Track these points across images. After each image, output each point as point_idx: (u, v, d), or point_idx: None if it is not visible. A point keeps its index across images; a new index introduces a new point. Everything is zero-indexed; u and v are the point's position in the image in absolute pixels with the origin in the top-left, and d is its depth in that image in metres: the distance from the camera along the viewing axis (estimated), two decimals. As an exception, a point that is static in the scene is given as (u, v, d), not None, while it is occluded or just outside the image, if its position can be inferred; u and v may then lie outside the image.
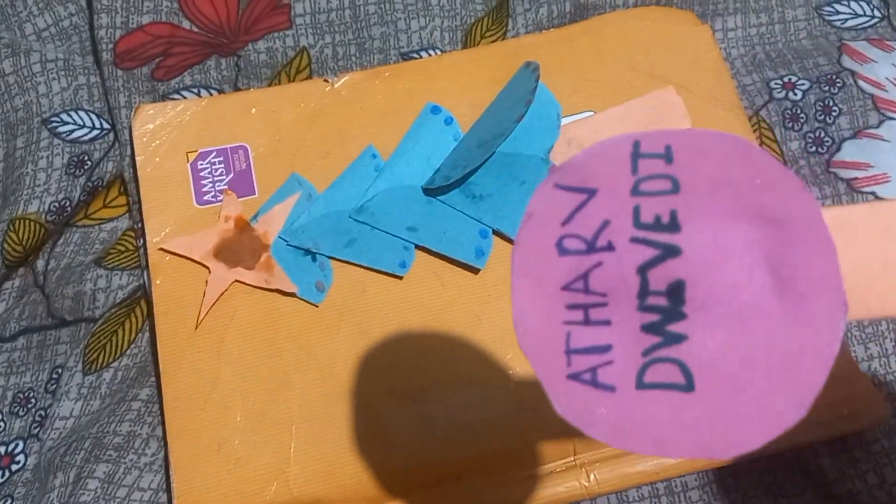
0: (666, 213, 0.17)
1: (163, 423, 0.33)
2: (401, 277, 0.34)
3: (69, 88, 0.39)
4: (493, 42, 0.41)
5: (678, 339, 0.17)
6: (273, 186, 0.37)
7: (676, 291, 0.17)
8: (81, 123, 0.40)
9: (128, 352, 0.36)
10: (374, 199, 0.36)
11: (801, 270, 0.17)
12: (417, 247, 0.35)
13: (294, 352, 0.33)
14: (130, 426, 0.33)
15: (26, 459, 0.34)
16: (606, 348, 0.18)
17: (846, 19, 0.42)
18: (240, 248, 0.35)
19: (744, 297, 0.17)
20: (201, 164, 0.37)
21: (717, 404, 0.17)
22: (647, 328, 0.17)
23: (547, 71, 0.37)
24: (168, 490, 0.31)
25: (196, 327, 0.34)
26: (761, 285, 0.17)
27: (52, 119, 0.39)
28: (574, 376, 0.18)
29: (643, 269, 0.17)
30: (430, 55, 0.41)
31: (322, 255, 0.35)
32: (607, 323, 0.18)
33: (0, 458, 0.34)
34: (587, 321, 0.18)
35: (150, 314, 0.36)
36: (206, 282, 0.35)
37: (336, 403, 0.32)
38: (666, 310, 0.17)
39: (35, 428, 0.35)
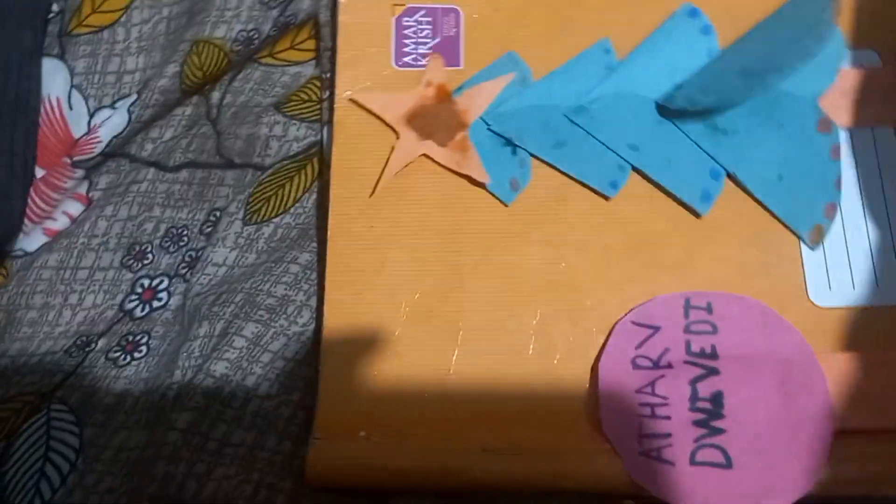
0: (709, 346, 0.27)
1: (320, 295, 0.30)
2: (608, 198, 0.30)
3: None
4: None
5: (720, 431, 0.26)
6: (481, 61, 0.32)
7: (717, 399, 0.26)
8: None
9: (292, 210, 0.33)
10: (597, 101, 0.31)
11: (801, 393, 0.26)
12: (634, 168, 0.30)
13: (473, 251, 0.29)
14: (285, 289, 0.31)
15: (169, 298, 0.33)
16: (668, 435, 0.26)
17: None
18: (436, 119, 0.31)
19: (763, 408, 0.26)
20: (407, 21, 0.33)
21: (748, 478, 0.25)
22: (697, 423, 0.26)
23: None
24: (315, 367, 0.29)
25: (371, 194, 0.30)
26: (775, 401, 0.26)
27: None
28: (644, 453, 0.26)
29: (693, 382, 0.26)
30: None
31: (524, 149, 0.31)
32: (668, 418, 0.26)
33: (143, 290, 0.33)
34: (653, 415, 0.26)
35: (321, 174, 0.33)
36: (392, 148, 0.31)
37: (509, 317, 0.29)
38: (710, 411, 0.26)
39: (183, 268, 0.33)
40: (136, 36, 0.38)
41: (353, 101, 0.31)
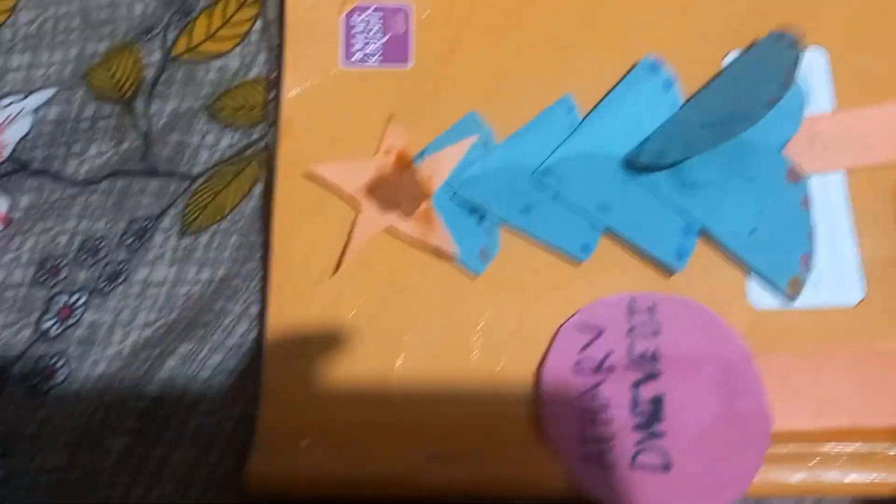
0: (651, 348, 0.27)
1: (263, 304, 0.30)
2: (579, 263, 0.29)
3: None
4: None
5: (659, 435, 0.26)
6: (431, 61, 0.31)
7: (658, 403, 0.26)
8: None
9: (229, 216, 0.31)
10: (563, 161, 0.30)
11: (739, 395, 0.26)
12: (605, 230, 0.29)
13: (418, 255, 0.29)
14: (224, 302, 0.30)
15: (84, 313, 0.31)
16: (609, 439, 0.26)
17: None
18: (398, 189, 0.30)
19: (702, 410, 0.26)
20: (356, 19, 0.32)
21: (688, 480, 0.25)
22: (638, 427, 0.26)
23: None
24: (257, 379, 0.28)
25: (333, 274, 0.29)
26: (713, 403, 0.26)
27: None
28: (585, 457, 0.26)
29: (635, 386, 0.26)
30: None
31: (492, 216, 0.29)
32: (610, 422, 0.26)
33: (60, 308, 0.31)
34: (595, 420, 0.26)
35: (264, 177, 0.32)
36: (353, 223, 0.30)
37: (454, 322, 0.28)
38: (650, 415, 0.26)
39: (102, 282, 0.31)
40: (23, 35, 0.35)
41: (311, 175, 0.30)
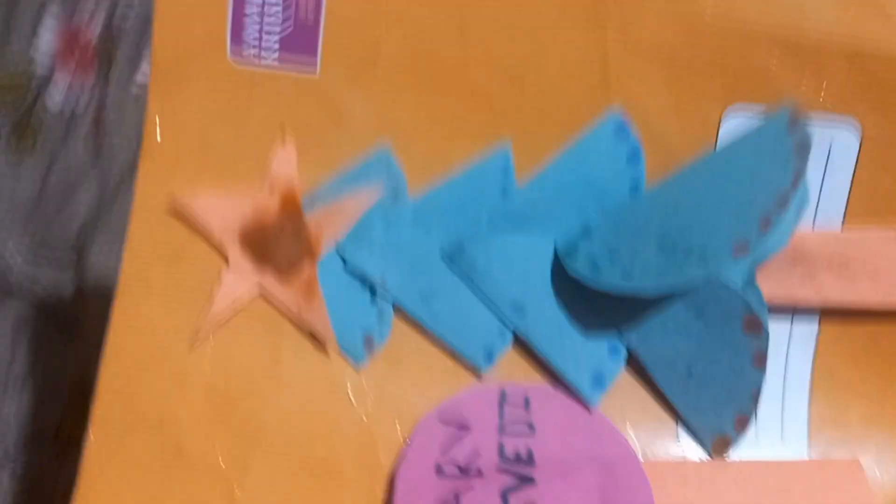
0: (524, 450, 0.23)
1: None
2: (479, 375, 0.24)
3: None
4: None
5: None
6: (340, 60, 0.24)
7: None
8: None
9: None
10: (483, 239, 0.24)
11: None
12: (516, 336, 0.24)
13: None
14: None
15: None
16: None
17: None
18: (277, 241, 0.24)
19: None
20: (251, 3, 0.25)
21: None
22: None
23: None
24: None
25: (190, 349, 0.24)
26: None
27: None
28: None
29: (505, 494, 0.22)
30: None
31: (386, 298, 0.24)
32: None
33: None
34: None
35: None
36: (219, 278, 0.24)
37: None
38: None
39: None
40: None
41: (177, 207, 0.24)
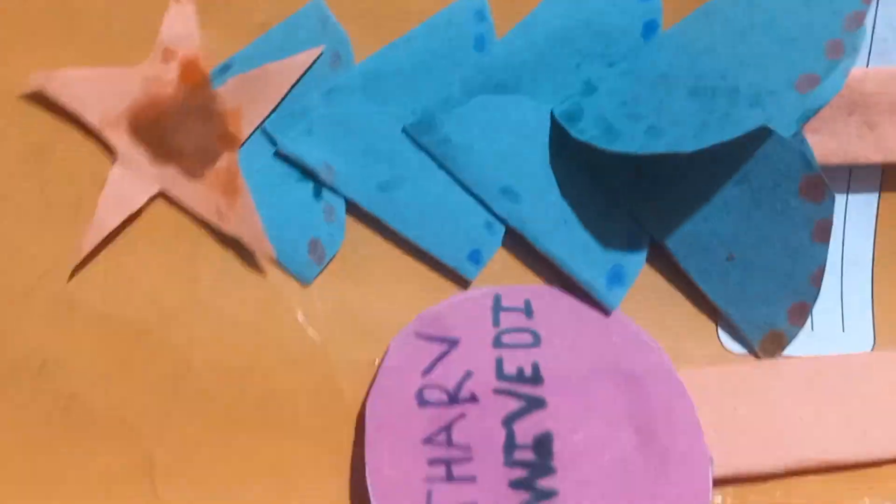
0: (528, 365, 0.18)
1: None
2: (467, 283, 0.19)
3: None
4: None
5: (548, 495, 0.17)
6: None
7: (544, 444, 0.18)
8: None
9: None
10: (458, 109, 0.18)
11: (662, 426, 0.18)
12: (508, 231, 0.19)
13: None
14: None
15: None
16: None
17: None
18: (179, 123, 0.18)
19: (611, 452, 0.18)
20: None
21: None
22: (516, 484, 0.17)
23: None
24: None
25: (77, 266, 0.18)
26: (627, 440, 0.18)
27: None
28: None
29: (509, 421, 0.18)
30: None
31: (334, 189, 0.18)
32: (472, 479, 0.17)
33: None
34: (450, 478, 0.17)
35: None
36: (105, 178, 0.18)
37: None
38: (534, 464, 0.18)
39: None
40: None
41: (37, 89, 0.18)
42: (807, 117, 0.17)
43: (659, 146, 0.17)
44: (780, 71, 0.16)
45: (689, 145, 0.16)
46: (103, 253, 0.18)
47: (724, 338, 0.19)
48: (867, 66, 0.19)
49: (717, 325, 0.19)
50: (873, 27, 0.19)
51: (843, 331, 0.19)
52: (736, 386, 0.18)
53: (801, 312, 0.19)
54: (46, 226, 0.18)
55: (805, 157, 0.17)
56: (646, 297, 0.19)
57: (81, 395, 0.17)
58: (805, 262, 0.18)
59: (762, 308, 0.19)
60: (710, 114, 0.17)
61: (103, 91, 0.18)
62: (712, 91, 0.17)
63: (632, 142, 0.17)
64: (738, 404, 0.18)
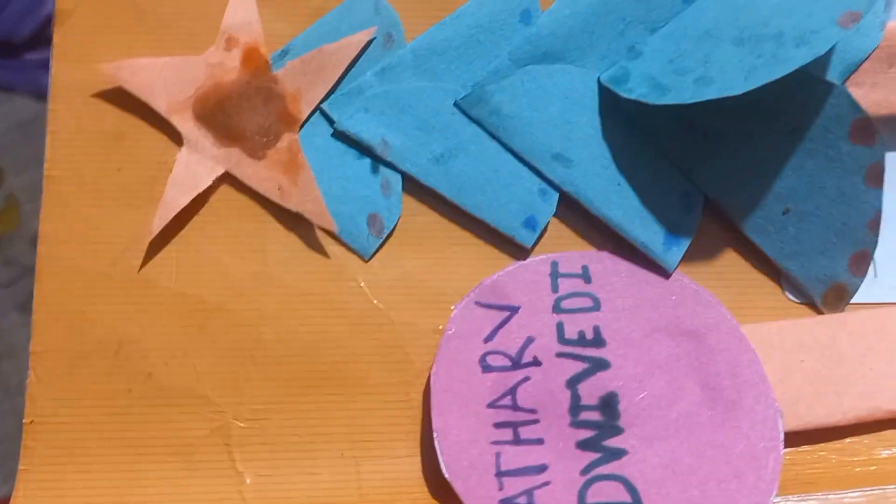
0: (589, 329, 0.18)
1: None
2: (526, 251, 0.19)
3: None
4: None
5: (617, 454, 0.17)
6: None
7: (609, 405, 0.18)
8: None
9: None
10: (507, 81, 0.19)
11: (727, 380, 0.18)
12: (563, 194, 0.19)
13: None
14: None
15: None
16: (542, 468, 0.17)
17: None
18: (243, 110, 0.19)
19: (677, 409, 0.18)
20: None
21: None
22: (583, 445, 0.18)
23: None
24: None
25: (149, 241, 0.18)
26: (692, 396, 0.18)
27: None
28: (507, 501, 0.17)
29: (573, 383, 0.18)
30: None
31: (391, 165, 0.19)
32: (540, 441, 0.18)
33: None
34: (518, 440, 0.18)
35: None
36: (172, 164, 0.19)
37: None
38: (601, 424, 0.18)
39: None
40: None
41: (107, 81, 0.19)
42: (849, 70, 0.18)
43: (710, 92, 0.17)
44: (822, 10, 0.17)
45: (739, 87, 0.16)
46: (174, 236, 0.18)
47: (787, 293, 0.19)
48: (910, 18, 0.19)
49: (779, 279, 0.19)
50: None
51: (908, 278, 0.19)
52: (801, 338, 0.18)
53: (862, 262, 0.18)
54: (121, 209, 0.18)
55: (853, 101, 0.17)
56: (704, 255, 0.19)
57: (156, 374, 0.18)
58: (861, 209, 0.18)
59: (822, 260, 0.19)
60: (757, 58, 0.17)
61: (170, 79, 0.19)
62: (757, 38, 0.17)
63: (682, 93, 0.17)
64: (805, 356, 0.18)
